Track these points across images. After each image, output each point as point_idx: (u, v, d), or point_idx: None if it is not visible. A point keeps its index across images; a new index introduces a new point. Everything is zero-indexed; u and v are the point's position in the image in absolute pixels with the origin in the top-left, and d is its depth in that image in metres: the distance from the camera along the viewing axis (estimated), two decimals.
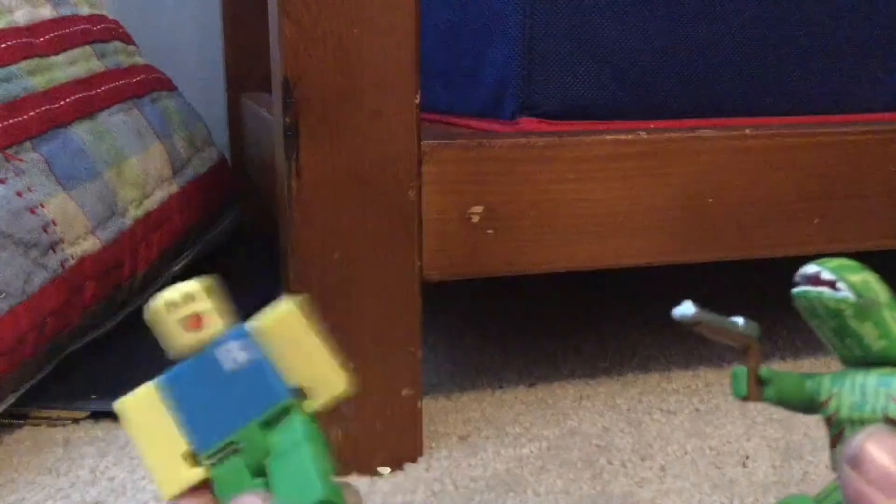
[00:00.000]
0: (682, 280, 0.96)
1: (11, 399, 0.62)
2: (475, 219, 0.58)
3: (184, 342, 0.30)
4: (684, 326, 0.31)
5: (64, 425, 0.64)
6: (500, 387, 0.72)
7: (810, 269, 0.31)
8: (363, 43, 0.52)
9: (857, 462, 0.26)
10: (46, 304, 0.63)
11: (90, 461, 0.59)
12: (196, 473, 0.29)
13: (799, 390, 0.33)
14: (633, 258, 0.62)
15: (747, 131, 0.63)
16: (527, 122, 0.63)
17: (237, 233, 1.08)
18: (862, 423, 0.30)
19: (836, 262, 0.30)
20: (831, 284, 0.30)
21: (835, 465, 0.32)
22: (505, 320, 0.87)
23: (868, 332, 0.30)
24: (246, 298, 0.98)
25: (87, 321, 0.70)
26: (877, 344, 0.30)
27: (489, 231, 0.58)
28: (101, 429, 0.64)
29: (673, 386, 0.72)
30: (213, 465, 0.29)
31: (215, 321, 0.30)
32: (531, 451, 0.60)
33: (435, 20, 0.74)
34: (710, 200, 0.62)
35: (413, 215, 0.55)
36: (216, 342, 0.30)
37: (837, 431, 0.31)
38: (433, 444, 0.61)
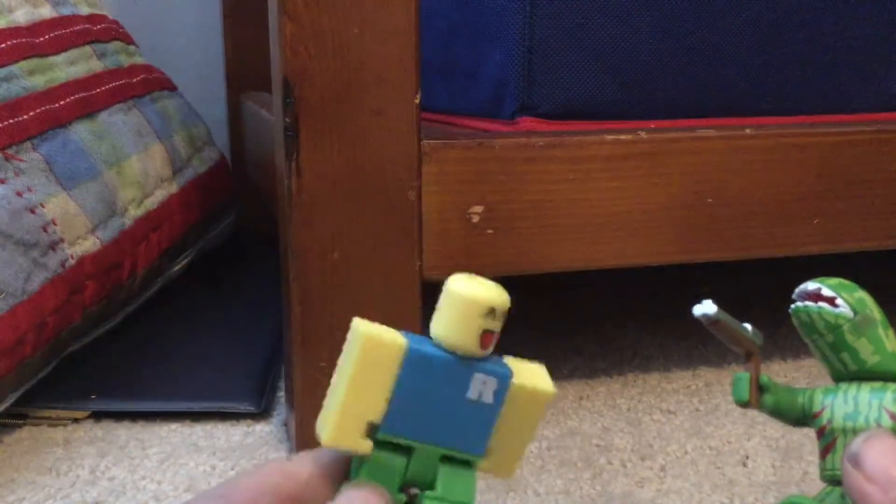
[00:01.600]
0: (682, 280, 0.96)
1: (11, 399, 0.62)
2: (475, 219, 0.58)
3: (466, 343, 0.27)
4: (704, 325, 0.32)
5: (64, 425, 0.64)
6: None
7: (811, 286, 0.33)
8: (363, 42, 0.52)
9: (858, 461, 0.27)
10: (46, 303, 0.63)
11: (90, 461, 0.59)
12: (365, 445, 0.27)
13: (792, 402, 0.35)
14: (633, 258, 0.62)
15: (747, 131, 0.63)
16: (527, 122, 0.63)
17: (237, 233, 1.08)
18: (855, 432, 0.32)
19: (835, 280, 0.32)
20: (831, 301, 0.32)
21: (823, 476, 0.33)
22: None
23: (863, 347, 0.32)
24: (246, 299, 0.98)
25: (87, 321, 0.70)
26: (871, 359, 0.32)
27: (489, 231, 0.58)
28: (101, 429, 0.64)
29: (673, 386, 0.72)
30: (379, 447, 0.27)
31: (494, 344, 0.28)
32: (531, 451, 0.60)
33: (435, 20, 0.74)
34: (710, 200, 0.62)
35: (413, 215, 0.55)
36: (480, 366, 0.28)
37: (830, 441, 0.33)
38: None
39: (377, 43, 0.52)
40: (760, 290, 0.97)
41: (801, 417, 0.35)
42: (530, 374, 0.29)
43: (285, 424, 0.64)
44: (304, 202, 0.53)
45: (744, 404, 0.34)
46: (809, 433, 0.63)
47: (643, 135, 0.60)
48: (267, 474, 0.28)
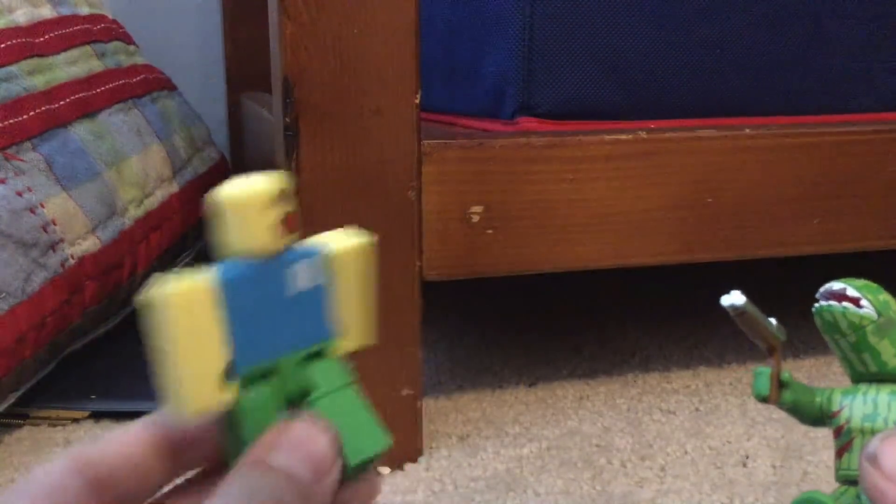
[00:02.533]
0: (682, 280, 0.96)
1: (11, 399, 0.62)
2: (475, 219, 0.58)
3: (264, 244, 0.25)
4: (731, 315, 0.32)
5: (64, 425, 0.64)
6: (500, 387, 0.72)
7: (836, 286, 0.33)
8: (363, 42, 0.52)
9: (874, 459, 0.27)
10: (46, 304, 0.63)
11: None
12: (228, 394, 0.25)
13: (811, 400, 0.35)
14: (633, 258, 0.62)
15: (747, 131, 0.63)
16: (527, 122, 0.63)
17: None
18: (873, 433, 0.32)
19: (860, 282, 0.33)
20: (856, 301, 0.32)
21: (838, 475, 0.33)
22: (505, 320, 0.87)
23: (885, 349, 0.32)
24: None
25: (87, 321, 0.70)
26: (893, 361, 0.32)
27: (489, 231, 0.58)
28: (101, 429, 0.64)
29: (673, 386, 0.72)
30: (243, 389, 0.26)
31: (297, 226, 0.26)
32: (531, 451, 0.60)
33: (435, 20, 0.74)
34: (710, 200, 0.62)
35: (413, 215, 0.55)
36: (287, 257, 0.26)
37: (847, 441, 0.33)
38: (433, 444, 0.61)
39: (377, 43, 0.52)
40: (761, 289, 0.97)
41: (818, 416, 0.35)
42: (339, 238, 0.28)
43: None
44: (304, 202, 0.53)
45: (763, 399, 0.34)
46: (809, 433, 0.63)
47: (643, 135, 0.60)
48: (74, 455, 0.27)
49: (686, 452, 0.60)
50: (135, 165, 0.80)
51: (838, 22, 0.69)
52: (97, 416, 0.65)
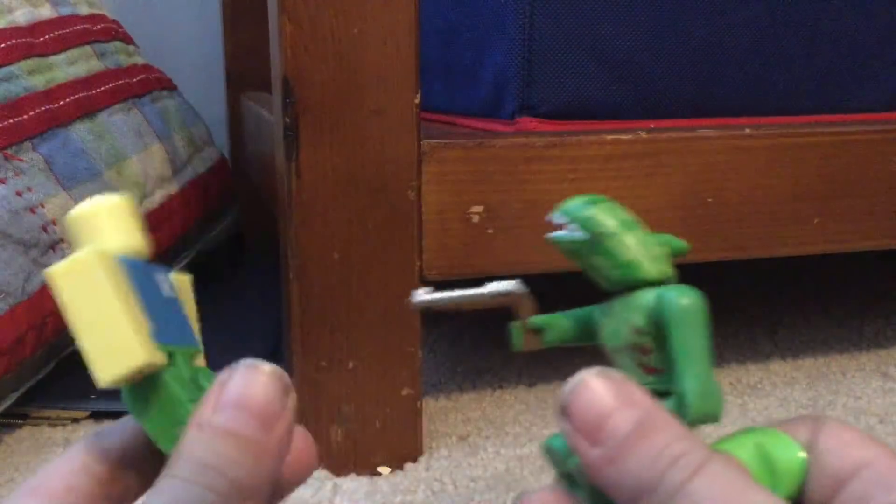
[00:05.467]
0: (682, 280, 0.96)
1: (11, 399, 0.62)
2: (475, 219, 0.58)
3: (133, 246, 0.27)
4: (418, 310, 0.31)
5: (64, 425, 0.64)
6: (500, 387, 0.72)
7: (555, 216, 0.31)
8: (363, 42, 0.52)
9: (565, 414, 0.25)
10: (46, 304, 0.63)
11: None
12: (162, 356, 0.25)
13: (576, 329, 0.33)
14: None
15: (747, 131, 0.63)
16: (527, 122, 0.63)
17: (237, 233, 1.08)
18: (619, 353, 0.30)
19: (570, 201, 0.30)
20: (561, 227, 0.30)
21: None
22: (505, 320, 0.87)
23: (602, 264, 0.30)
24: (246, 298, 0.97)
25: None
26: (614, 274, 0.30)
27: (489, 231, 0.58)
28: (101, 428, 0.63)
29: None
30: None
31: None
32: (531, 451, 0.60)
33: (435, 20, 0.74)
34: (710, 200, 0.62)
35: (413, 215, 0.55)
36: (151, 266, 0.27)
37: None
38: (433, 444, 0.61)
39: (377, 43, 0.52)
40: (761, 289, 0.97)
41: (591, 337, 0.33)
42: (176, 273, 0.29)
43: None
44: (304, 202, 0.53)
45: (521, 350, 0.33)
46: None
47: (643, 135, 0.60)
48: (75, 456, 0.28)
49: None
50: (135, 165, 0.80)
51: (838, 22, 0.69)
52: (97, 416, 0.65)
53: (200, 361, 0.29)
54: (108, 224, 0.26)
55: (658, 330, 0.28)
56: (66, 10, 0.84)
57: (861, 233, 0.66)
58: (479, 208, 0.57)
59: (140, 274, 0.26)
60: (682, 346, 0.27)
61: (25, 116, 0.69)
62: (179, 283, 0.30)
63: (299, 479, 0.27)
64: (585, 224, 0.30)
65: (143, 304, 0.25)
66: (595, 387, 0.25)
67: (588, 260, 0.30)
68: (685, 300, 0.28)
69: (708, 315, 0.28)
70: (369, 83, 0.53)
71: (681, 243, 0.31)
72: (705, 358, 0.27)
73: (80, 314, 0.24)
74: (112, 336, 0.24)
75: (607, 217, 0.30)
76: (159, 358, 0.25)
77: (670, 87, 0.66)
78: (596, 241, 0.30)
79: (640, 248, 0.30)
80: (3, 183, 0.64)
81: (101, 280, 0.24)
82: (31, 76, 0.73)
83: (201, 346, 0.29)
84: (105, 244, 0.26)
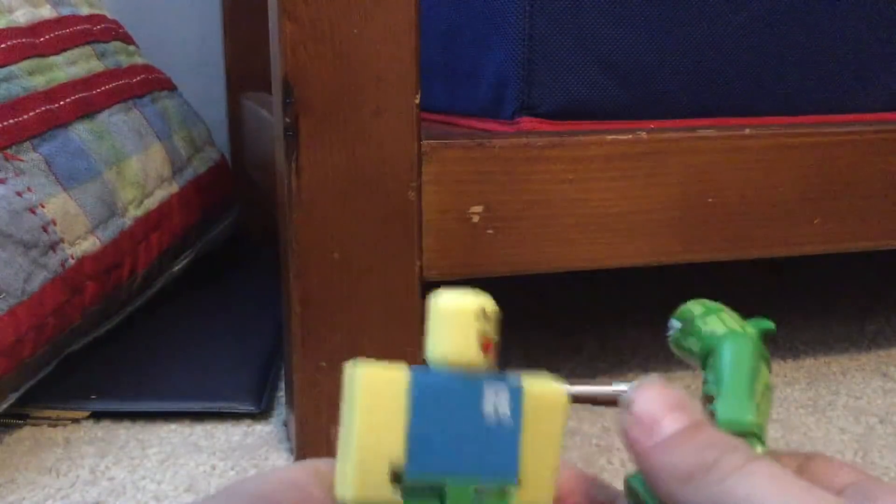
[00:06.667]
0: (682, 280, 0.96)
1: (11, 399, 0.62)
2: (475, 219, 0.58)
3: (468, 353, 0.25)
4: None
5: (64, 425, 0.64)
6: None
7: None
8: (363, 42, 0.52)
9: (628, 406, 0.27)
10: (46, 304, 0.63)
11: (90, 461, 0.59)
12: (390, 496, 0.24)
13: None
14: (633, 258, 0.62)
15: (747, 131, 0.63)
16: (527, 122, 0.63)
17: (237, 233, 1.08)
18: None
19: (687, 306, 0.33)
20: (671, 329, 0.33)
21: None
22: (505, 320, 0.87)
23: (693, 344, 0.32)
24: (246, 299, 0.98)
25: (87, 321, 0.70)
26: (701, 344, 0.32)
27: (489, 231, 0.58)
28: (101, 429, 0.64)
29: (673, 386, 0.72)
30: (407, 495, 0.25)
31: (494, 351, 0.26)
32: None
33: (435, 20, 0.74)
34: (710, 200, 0.62)
35: (413, 215, 0.55)
36: (488, 377, 0.26)
37: None
38: None
39: (377, 43, 0.52)
40: (761, 289, 0.97)
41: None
42: (539, 384, 0.27)
43: (285, 424, 0.64)
44: (304, 202, 0.53)
45: None
46: (809, 433, 0.63)
47: (643, 135, 0.60)
48: (268, 481, 0.27)
49: None
50: (135, 165, 0.80)
51: (838, 22, 0.69)
52: (97, 416, 0.65)
53: (522, 498, 0.27)
54: (461, 326, 0.26)
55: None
56: (66, 11, 0.84)
57: (861, 233, 0.66)
58: (479, 208, 0.57)
59: (445, 393, 0.25)
60: (726, 366, 0.30)
61: (26, 116, 0.69)
62: (539, 400, 0.26)
63: None
64: (681, 314, 0.32)
65: (414, 433, 0.25)
66: (660, 388, 0.28)
67: (684, 353, 0.32)
68: (741, 336, 0.31)
69: (765, 354, 0.30)
70: (369, 83, 0.53)
71: (769, 324, 0.32)
72: (747, 379, 0.29)
73: (343, 425, 0.26)
74: (344, 460, 0.25)
75: (696, 306, 0.32)
76: (380, 496, 0.25)
77: (670, 87, 0.66)
78: (686, 329, 0.32)
79: (720, 323, 0.32)
80: (3, 183, 0.64)
81: (355, 402, 0.25)
82: (32, 76, 0.73)
83: (514, 481, 0.26)
84: (439, 350, 0.26)
